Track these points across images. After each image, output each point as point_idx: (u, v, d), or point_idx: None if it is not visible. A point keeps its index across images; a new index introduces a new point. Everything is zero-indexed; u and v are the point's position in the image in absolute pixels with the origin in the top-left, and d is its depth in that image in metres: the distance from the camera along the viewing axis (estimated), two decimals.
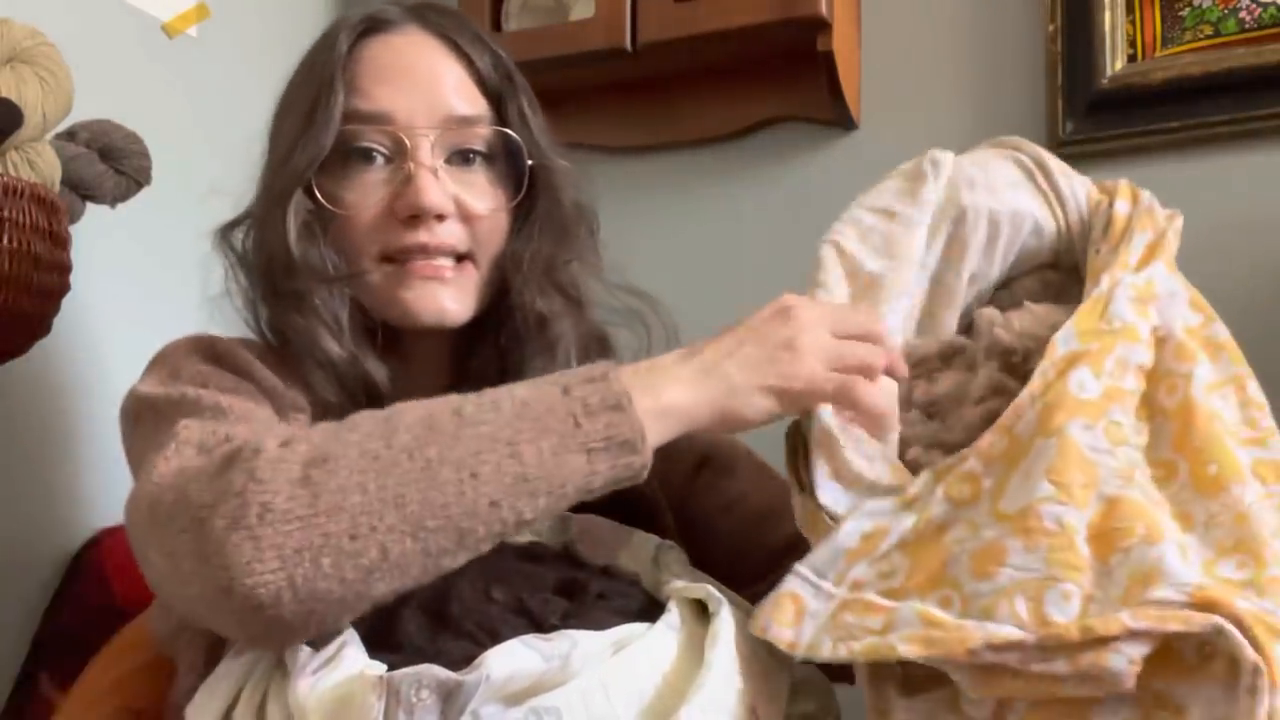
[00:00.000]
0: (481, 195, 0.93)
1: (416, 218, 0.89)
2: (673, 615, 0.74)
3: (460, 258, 0.92)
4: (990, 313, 0.81)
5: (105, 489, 1.31)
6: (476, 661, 0.66)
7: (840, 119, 1.50)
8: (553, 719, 0.64)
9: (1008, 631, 0.62)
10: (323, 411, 0.89)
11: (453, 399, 0.73)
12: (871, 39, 1.51)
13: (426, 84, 0.91)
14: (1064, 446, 0.69)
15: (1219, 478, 0.69)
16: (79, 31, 1.23)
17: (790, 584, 0.71)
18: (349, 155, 0.90)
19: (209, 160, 1.46)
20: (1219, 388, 0.74)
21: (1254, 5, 1.31)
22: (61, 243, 1.06)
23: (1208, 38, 1.33)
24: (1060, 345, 0.73)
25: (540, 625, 0.72)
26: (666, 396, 0.73)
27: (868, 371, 0.76)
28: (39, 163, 1.04)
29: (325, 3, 1.73)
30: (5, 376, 1.18)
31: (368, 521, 0.67)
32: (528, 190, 0.94)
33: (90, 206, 1.15)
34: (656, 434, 0.73)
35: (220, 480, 0.68)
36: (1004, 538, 0.67)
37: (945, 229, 0.83)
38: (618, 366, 0.74)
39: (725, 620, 0.73)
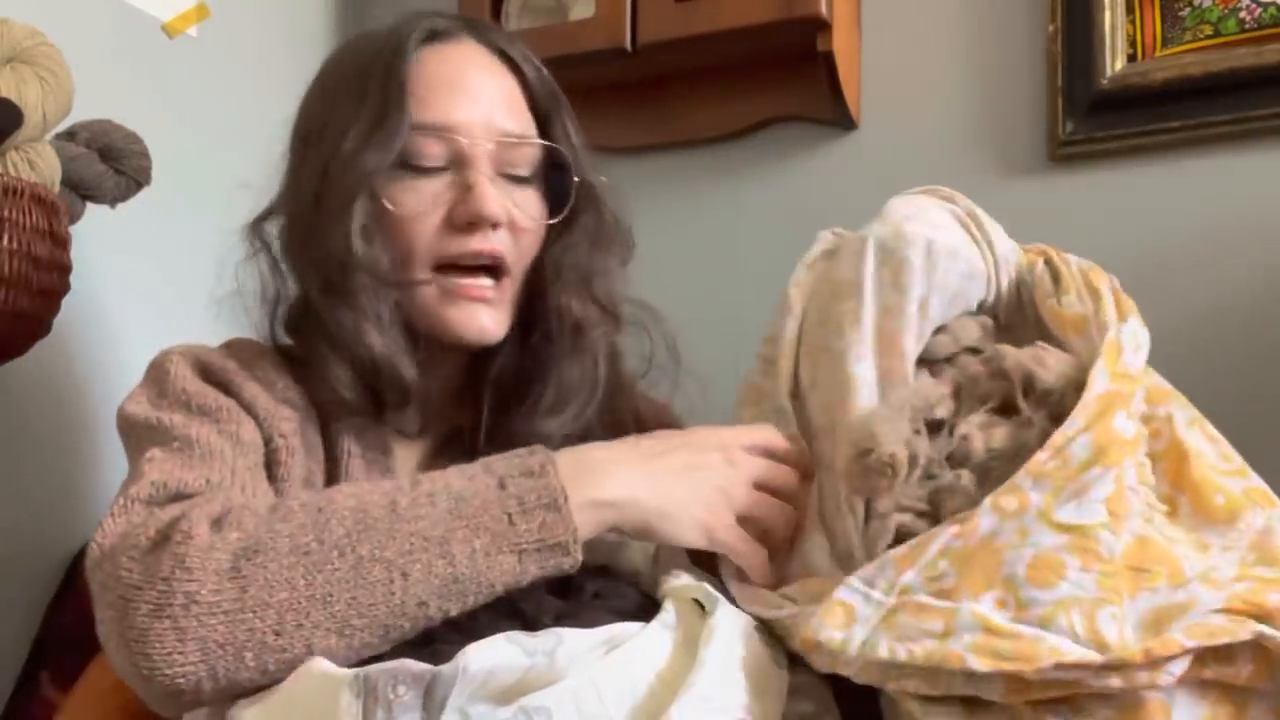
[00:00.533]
0: (528, 208, 0.94)
1: (474, 225, 0.90)
2: (668, 614, 0.74)
3: (498, 275, 0.93)
4: (1015, 351, 0.81)
5: (105, 489, 1.31)
6: (456, 656, 0.66)
7: (840, 119, 1.50)
8: (543, 718, 0.64)
9: (1079, 653, 0.65)
10: (326, 412, 0.91)
11: (388, 487, 0.74)
12: (871, 39, 1.52)
13: (484, 98, 0.93)
14: (1118, 480, 0.72)
15: (1229, 507, 0.73)
16: (79, 31, 1.23)
17: (840, 593, 0.72)
18: (405, 161, 0.91)
19: (209, 160, 1.47)
20: (1191, 426, 0.77)
21: (1254, 5, 1.31)
22: (61, 243, 1.06)
23: (1208, 38, 1.33)
24: (1098, 382, 0.75)
25: (532, 626, 0.72)
26: (606, 491, 0.76)
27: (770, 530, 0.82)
28: (39, 163, 1.04)
29: (325, 3, 1.73)
30: (5, 376, 1.18)
31: (294, 619, 0.68)
32: (568, 205, 0.97)
33: (90, 206, 1.15)
34: (589, 528, 0.75)
35: (150, 560, 0.69)
36: (1061, 551, 0.69)
37: (887, 257, 0.83)
38: (556, 457, 0.76)
39: (722, 619, 0.73)
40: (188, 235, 1.40)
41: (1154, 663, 0.63)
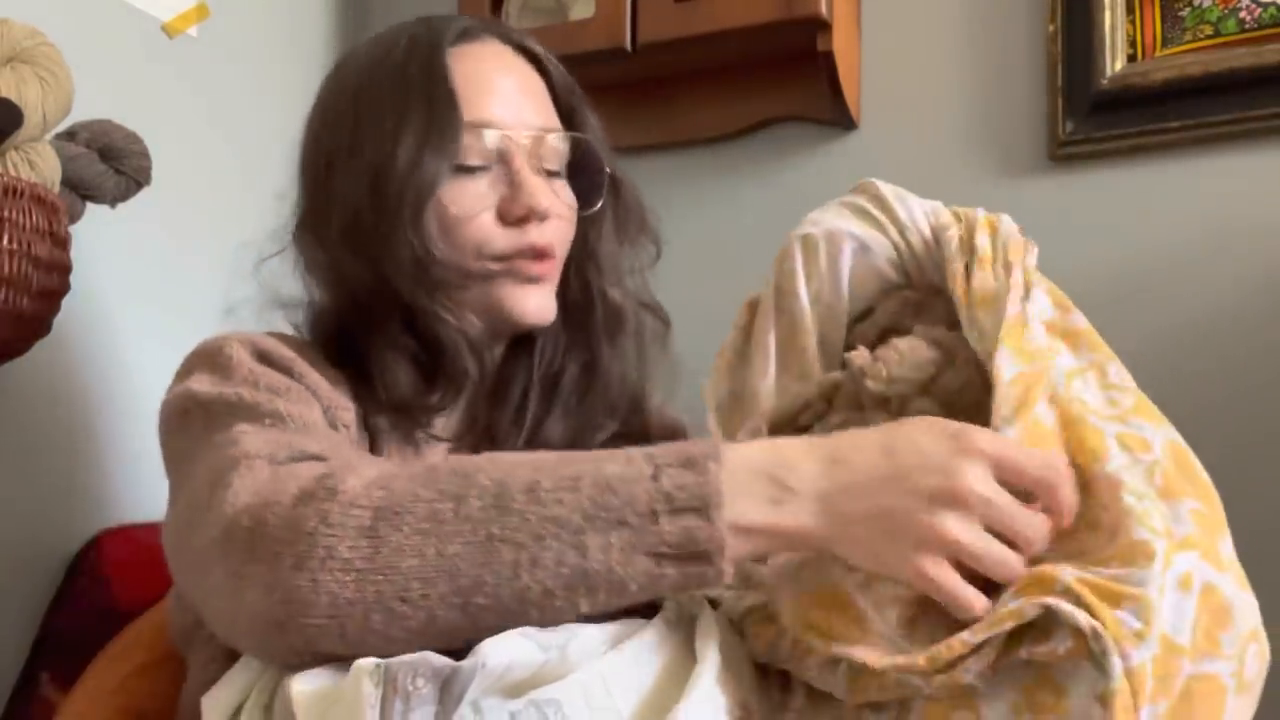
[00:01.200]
0: (564, 200, 0.95)
1: (526, 219, 0.91)
2: (669, 611, 0.75)
3: (544, 258, 0.94)
4: (861, 359, 0.80)
5: (105, 490, 1.31)
6: (473, 651, 0.66)
7: (840, 119, 1.50)
8: (553, 711, 0.64)
9: (862, 658, 0.66)
10: (363, 411, 0.90)
11: (536, 462, 0.69)
12: (871, 39, 1.52)
13: (517, 95, 0.94)
14: None
15: (1084, 467, 0.70)
16: (79, 31, 1.23)
17: None
18: (453, 163, 0.91)
19: (209, 160, 1.47)
20: (1080, 374, 0.76)
21: (1254, 5, 1.31)
22: (61, 243, 1.06)
23: (1208, 38, 1.33)
24: (1005, 370, 0.73)
25: None
26: (768, 516, 0.67)
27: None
28: (39, 163, 1.04)
29: (325, 3, 1.73)
30: (5, 376, 1.18)
31: (420, 588, 0.66)
32: (602, 196, 0.98)
33: (90, 206, 1.15)
34: (739, 550, 0.67)
35: (295, 515, 0.68)
36: None
37: (778, 265, 0.87)
38: (722, 451, 0.68)
39: (709, 621, 0.74)
40: (188, 235, 1.40)
41: (949, 664, 0.63)
